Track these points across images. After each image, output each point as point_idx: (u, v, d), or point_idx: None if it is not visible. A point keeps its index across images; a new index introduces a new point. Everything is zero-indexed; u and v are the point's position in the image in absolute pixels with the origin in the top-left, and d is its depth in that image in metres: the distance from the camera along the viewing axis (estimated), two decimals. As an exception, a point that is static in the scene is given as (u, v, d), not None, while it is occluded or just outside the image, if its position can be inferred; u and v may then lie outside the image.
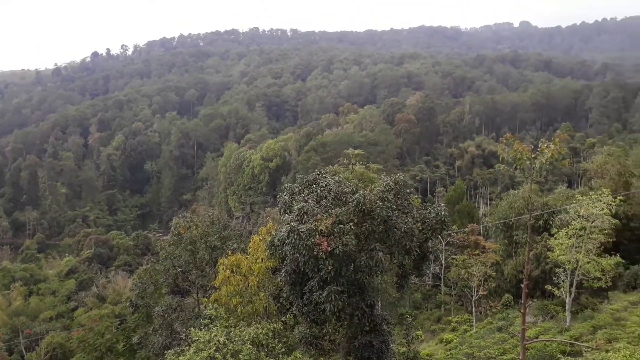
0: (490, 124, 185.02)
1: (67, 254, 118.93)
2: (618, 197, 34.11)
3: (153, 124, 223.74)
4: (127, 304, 40.49)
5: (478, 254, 52.33)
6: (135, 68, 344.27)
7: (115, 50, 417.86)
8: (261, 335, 22.21)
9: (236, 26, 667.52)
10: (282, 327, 24.74)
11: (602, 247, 36.36)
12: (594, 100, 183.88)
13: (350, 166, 66.29)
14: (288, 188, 26.84)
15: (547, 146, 14.63)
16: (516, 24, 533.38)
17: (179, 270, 35.72)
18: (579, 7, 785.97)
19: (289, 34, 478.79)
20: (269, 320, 25.19)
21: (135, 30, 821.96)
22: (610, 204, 33.21)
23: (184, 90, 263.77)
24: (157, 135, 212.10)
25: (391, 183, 24.21)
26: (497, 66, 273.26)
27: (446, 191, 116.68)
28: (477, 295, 48.57)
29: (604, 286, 34.73)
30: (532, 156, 14.70)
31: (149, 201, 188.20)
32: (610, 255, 35.86)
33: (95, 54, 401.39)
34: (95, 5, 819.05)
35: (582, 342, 29.27)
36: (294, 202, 25.14)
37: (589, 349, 25.63)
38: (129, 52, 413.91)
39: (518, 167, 14.94)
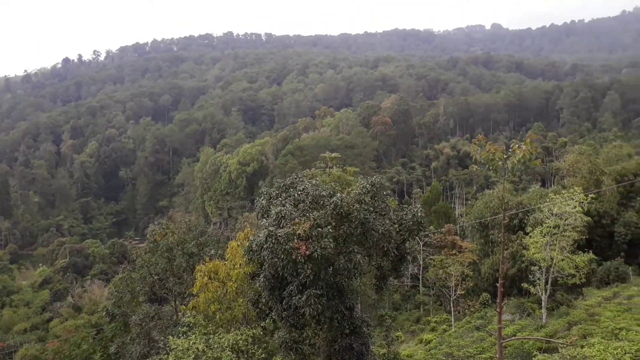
0: (464, 125, 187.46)
1: (41, 264, 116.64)
2: (590, 195, 34.81)
3: (127, 130, 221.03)
4: (104, 313, 39.91)
5: (455, 254, 52.93)
6: (108, 74, 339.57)
7: (87, 56, 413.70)
8: (240, 342, 22.08)
9: (210, 31, 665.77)
10: (261, 333, 24.66)
11: (576, 244, 37.09)
12: (565, 100, 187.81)
13: (328, 169, 66.41)
14: (265, 192, 26.75)
15: (518, 147, 14.88)
16: (488, 27, 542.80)
17: (155, 277, 35.34)
18: (548, 9, 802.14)
19: (263, 38, 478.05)
20: (248, 326, 25.09)
21: (108, 36, 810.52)
22: (582, 202, 33.88)
23: (158, 95, 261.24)
24: (132, 141, 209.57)
25: (368, 185, 24.31)
26: (470, 68, 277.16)
27: (423, 192, 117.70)
28: (455, 294, 49.07)
29: (578, 283, 35.36)
30: (504, 157, 14.93)
31: (124, 208, 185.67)
32: (584, 252, 36.58)
33: (66, 60, 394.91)
34: (66, 10, 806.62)
35: (557, 338, 29.76)
36: (271, 206, 25.06)
37: (564, 345, 26.08)
38: (101, 58, 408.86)
39: (491, 167, 15.15)
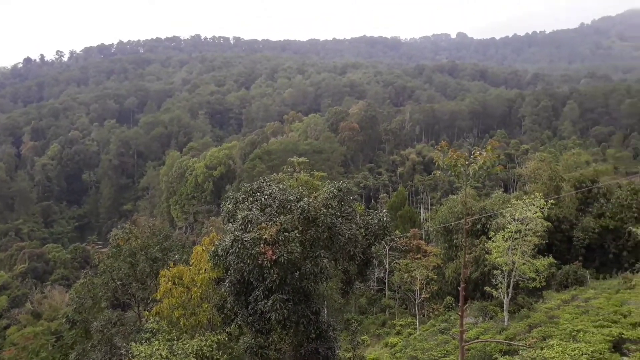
0: (430, 132, 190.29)
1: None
2: (550, 201, 35.80)
3: (91, 133, 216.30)
4: (64, 319, 38.93)
5: (420, 258, 53.62)
6: (72, 75, 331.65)
7: (50, 56, 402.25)
8: (205, 348, 21.90)
9: (178, 33, 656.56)
10: (226, 338, 24.49)
11: (536, 248, 38.09)
12: (527, 108, 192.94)
13: (295, 174, 66.42)
14: (232, 197, 26.63)
15: (479, 153, 15.26)
16: (453, 35, 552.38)
17: (118, 283, 34.73)
18: (510, 20, 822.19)
19: (231, 41, 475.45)
20: (213, 332, 24.86)
21: (72, 36, 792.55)
22: (543, 208, 34.83)
23: (124, 97, 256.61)
24: (96, 144, 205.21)
25: (335, 190, 24.46)
26: (435, 76, 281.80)
27: (389, 197, 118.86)
28: (420, 298, 49.69)
29: (538, 286, 36.28)
30: (466, 163, 15.28)
31: (87, 212, 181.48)
32: (544, 256, 37.60)
33: (27, 60, 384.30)
34: (27, 8, 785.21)
35: (518, 340, 30.44)
36: (238, 210, 24.96)
37: (524, 348, 26.73)
38: (65, 59, 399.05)
39: (453, 173, 15.49)
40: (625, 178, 73.74)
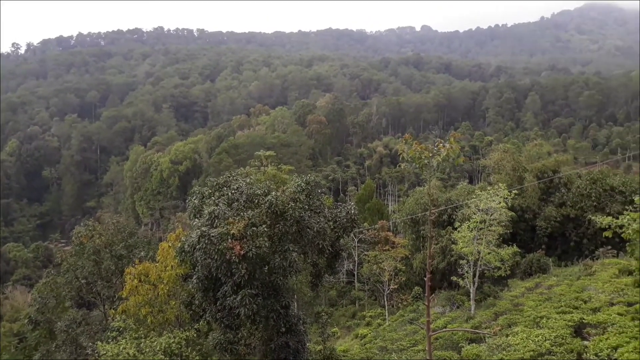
0: (396, 124, 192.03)
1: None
2: (513, 191, 36.54)
3: (51, 128, 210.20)
4: (26, 320, 37.93)
5: (388, 250, 54.11)
6: (30, 68, 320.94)
7: (5, 49, 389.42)
8: (173, 345, 21.62)
9: (140, 25, 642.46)
10: (195, 335, 24.23)
11: (501, 238, 38.89)
12: (490, 100, 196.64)
13: (262, 168, 66.05)
14: (198, 192, 26.31)
15: (443, 145, 15.44)
16: (418, 28, 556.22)
17: (82, 281, 34.00)
18: (473, 13, 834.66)
19: (195, 34, 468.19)
20: (182, 329, 24.57)
21: (28, 28, 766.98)
22: (507, 198, 35.53)
23: (85, 91, 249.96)
24: (56, 139, 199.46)
25: (303, 184, 24.40)
26: (401, 68, 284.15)
27: (357, 190, 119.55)
28: (388, 289, 50.20)
29: (504, 275, 37.06)
30: (430, 155, 15.44)
31: (49, 210, 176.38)
32: (508, 245, 38.43)
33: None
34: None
35: (484, 328, 31.10)
36: (204, 206, 24.66)
37: (490, 335, 27.35)
38: (22, 51, 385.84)
39: (417, 165, 15.64)
40: (585, 168, 76.05)
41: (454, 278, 39.29)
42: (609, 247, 46.84)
